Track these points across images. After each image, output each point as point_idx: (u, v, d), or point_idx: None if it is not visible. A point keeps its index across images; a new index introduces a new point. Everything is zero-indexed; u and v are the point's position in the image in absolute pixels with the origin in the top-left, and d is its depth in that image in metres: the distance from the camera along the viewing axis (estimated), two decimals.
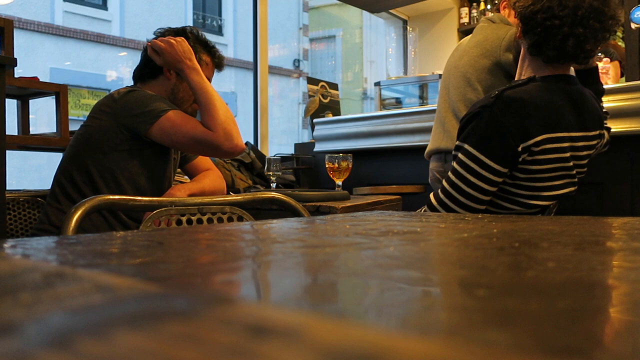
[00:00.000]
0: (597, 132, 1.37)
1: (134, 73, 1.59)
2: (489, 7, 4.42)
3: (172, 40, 1.46)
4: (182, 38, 1.49)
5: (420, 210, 1.40)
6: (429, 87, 4.23)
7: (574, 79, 1.38)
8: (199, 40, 1.59)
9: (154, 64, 1.54)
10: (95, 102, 1.52)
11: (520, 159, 1.26)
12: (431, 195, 1.35)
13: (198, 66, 1.48)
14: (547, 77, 1.34)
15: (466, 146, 1.28)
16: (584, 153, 1.34)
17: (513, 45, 1.53)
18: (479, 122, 1.27)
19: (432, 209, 1.33)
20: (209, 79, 1.60)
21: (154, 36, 1.58)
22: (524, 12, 1.31)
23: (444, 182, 1.32)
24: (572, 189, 1.35)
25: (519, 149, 1.23)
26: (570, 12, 1.24)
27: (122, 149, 1.41)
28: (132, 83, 1.62)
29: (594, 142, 1.36)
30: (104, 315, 0.20)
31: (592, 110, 1.36)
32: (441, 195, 1.31)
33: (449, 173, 1.32)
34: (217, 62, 1.63)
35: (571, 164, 1.31)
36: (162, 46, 1.46)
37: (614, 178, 1.95)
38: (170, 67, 1.50)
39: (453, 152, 1.34)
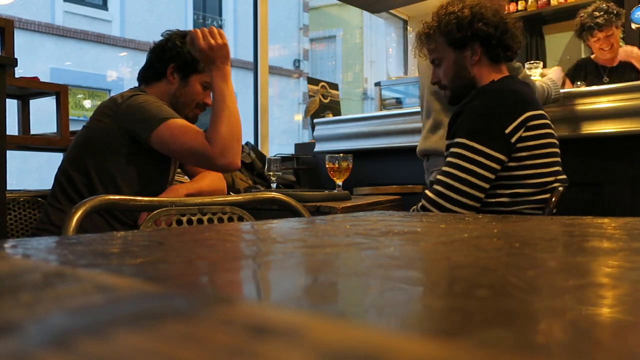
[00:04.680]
0: None
1: (138, 74, 1.60)
2: None
3: (212, 42, 1.42)
4: (226, 42, 1.45)
5: (415, 208, 1.41)
6: None
7: None
8: None
9: (158, 66, 1.53)
10: (95, 102, 1.51)
11: (517, 137, 1.31)
12: (427, 192, 1.36)
13: (228, 73, 1.46)
14: (505, 77, 1.48)
15: (457, 139, 1.33)
16: (557, 142, 1.44)
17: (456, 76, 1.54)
18: (465, 117, 1.35)
19: (432, 203, 1.33)
20: (210, 82, 1.59)
21: (160, 37, 1.58)
22: (488, 27, 1.42)
23: (439, 177, 1.35)
24: (563, 177, 1.40)
25: (507, 131, 1.30)
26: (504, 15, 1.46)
27: (122, 153, 1.41)
28: (133, 84, 1.62)
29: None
30: (104, 315, 0.20)
31: None
32: (440, 188, 1.33)
33: (444, 168, 1.35)
34: None
35: (556, 142, 1.41)
36: (200, 46, 1.42)
37: (614, 178, 1.95)
38: (201, 61, 1.48)
39: (445, 153, 1.37)
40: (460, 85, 1.48)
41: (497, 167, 1.30)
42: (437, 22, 1.46)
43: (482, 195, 1.31)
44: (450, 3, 1.46)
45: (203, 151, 1.38)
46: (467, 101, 1.37)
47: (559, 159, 1.41)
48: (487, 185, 1.31)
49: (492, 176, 1.30)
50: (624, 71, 2.67)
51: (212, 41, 1.42)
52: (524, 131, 1.31)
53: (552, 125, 1.41)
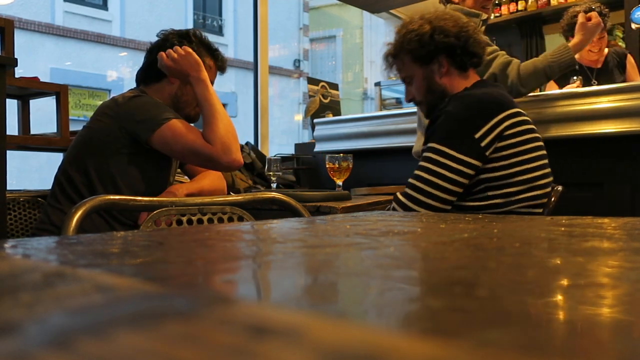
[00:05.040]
0: None
1: (137, 75, 1.59)
2: None
3: (175, 55, 1.46)
4: (190, 50, 1.48)
5: (389, 208, 1.41)
6: None
7: None
8: (203, 44, 1.58)
9: (158, 67, 1.53)
10: (95, 102, 1.52)
11: (490, 139, 1.32)
12: (397, 194, 1.37)
13: (206, 76, 1.48)
14: (477, 82, 1.49)
15: (431, 144, 1.36)
16: (539, 136, 1.44)
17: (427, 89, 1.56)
18: (440, 123, 1.37)
19: (400, 204, 1.35)
20: (212, 82, 1.59)
21: (156, 37, 1.58)
22: (449, 38, 1.43)
23: (409, 180, 1.36)
24: (548, 170, 1.41)
25: (477, 135, 1.32)
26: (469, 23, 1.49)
27: (123, 153, 1.41)
28: (133, 84, 1.62)
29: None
30: (104, 315, 0.20)
31: None
32: (407, 190, 1.35)
33: (416, 171, 1.36)
34: (219, 65, 1.62)
35: (539, 136, 1.42)
36: (166, 64, 1.46)
37: (614, 178, 1.95)
38: (178, 78, 1.51)
39: (420, 157, 1.40)
40: (433, 99, 1.50)
41: (469, 171, 1.32)
42: (400, 42, 1.48)
43: (451, 198, 1.33)
44: (410, 22, 1.48)
45: (205, 151, 1.39)
46: (443, 107, 1.40)
47: (544, 152, 1.42)
48: (457, 189, 1.32)
49: (463, 180, 1.32)
50: (610, 72, 2.65)
51: (175, 54, 1.46)
52: (502, 131, 1.33)
53: (531, 121, 1.42)
